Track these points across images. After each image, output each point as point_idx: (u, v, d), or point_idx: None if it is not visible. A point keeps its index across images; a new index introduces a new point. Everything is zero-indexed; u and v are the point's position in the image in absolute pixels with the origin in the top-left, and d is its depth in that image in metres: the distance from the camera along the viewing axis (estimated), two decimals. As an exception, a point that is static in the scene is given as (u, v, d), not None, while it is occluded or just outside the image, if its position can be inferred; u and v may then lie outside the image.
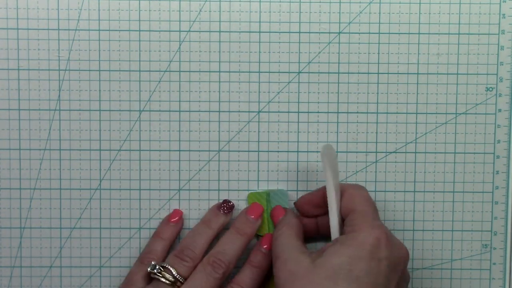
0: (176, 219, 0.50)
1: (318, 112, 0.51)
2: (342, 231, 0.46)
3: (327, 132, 0.51)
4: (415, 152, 0.51)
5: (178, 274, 0.46)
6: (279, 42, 0.51)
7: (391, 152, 0.51)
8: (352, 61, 0.51)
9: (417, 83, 0.51)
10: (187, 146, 0.51)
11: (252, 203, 0.50)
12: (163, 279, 0.46)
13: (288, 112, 0.51)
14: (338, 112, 0.51)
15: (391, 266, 0.42)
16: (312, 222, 0.49)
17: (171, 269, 0.46)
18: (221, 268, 0.46)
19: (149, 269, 0.47)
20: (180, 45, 0.50)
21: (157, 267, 0.47)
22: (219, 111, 0.51)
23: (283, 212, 0.49)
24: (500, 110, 0.51)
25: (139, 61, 0.50)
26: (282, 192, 0.51)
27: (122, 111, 0.51)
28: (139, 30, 0.50)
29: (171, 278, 0.46)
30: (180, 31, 0.50)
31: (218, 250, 0.47)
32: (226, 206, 0.50)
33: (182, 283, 0.46)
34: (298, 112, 0.51)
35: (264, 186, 0.51)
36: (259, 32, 0.50)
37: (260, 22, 0.50)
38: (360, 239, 0.42)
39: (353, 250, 0.41)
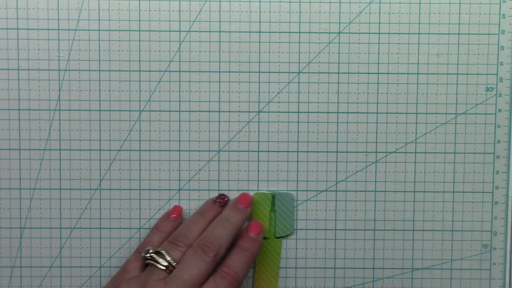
0: (175, 215, 0.50)
1: (318, 112, 0.51)
2: None
3: (327, 132, 0.51)
4: (415, 152, 0.51)
5: (171, 259, 0.46)
6: (279, 42, 0.51)
7: (391, 152, 0.51)
8: (352, 61, 0.51)
9: (417, 83, 0.51)
10: (187, 146, 0.51)
11: (241, 194, 0.50)
12: (156, 264, 0.46)
13: (288, 112, 0.51)
14: (338, 112, 0.51)
15: None
16: None
17: (164, 254, 0.46)
18: (211, 252, 0.46)
19: (143, 254, 0.47)
20: (180, 45, 0.50)
21: (151, 252, 0.47)
22: (219, 111, 0.51)
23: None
24: (500, 110, 0.51)
25: (139, 61, 0.50)
26: (288, 196, 0.51)
27: (122, 111, 0.51)
28: (139, 30, 0.50)
29: (164, 263, 0.46)
30: (180, 31, 0.50)
31: (207, 235, 0.48)
32: (221, 200, 0.50)
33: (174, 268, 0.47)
34: (298, 112, 0.51)
35: (264, 186, 0.51)
36: (259, 32, 0.50)
37: (260, 22, 0.50)
38: None
39: None
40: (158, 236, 0.49)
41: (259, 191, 0.51)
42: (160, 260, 0.46)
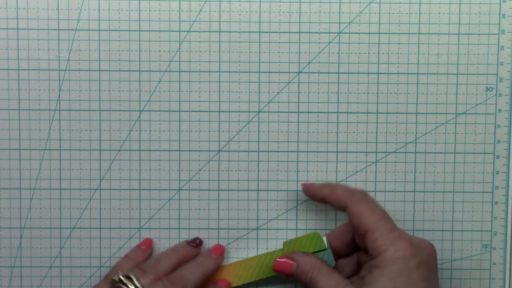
0: (145, 246, 0.51)
1: (318, 112, 0.51)
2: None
3: (327, 132, 0.51)
4: (415, 152, 0.51)
5: (140, 285, 0.46)
6: (279, 42, 0.51)
7: (391, 152, 0.51)
8: (352, 61, 0.51)
9: (417, 83, 0.51)
10: (187, 146, 0.51)
11: (216, 245, 0.51)
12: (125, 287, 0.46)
13: (288, 112, 0.51)
14: (338, 112, 0.51)
15: (425, 268, 0.44)
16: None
17: (133, 278, 0.46)
18: (178, 287, 0.47)
19: (112, 277, 0.47)
20: (180, 45, 0.50)
21: (120, 276, 0.47)
22: (219, 111, 0.51)
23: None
24: (500, 110, 0.51)
25: (139, 61, 0.50)
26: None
27: (122, 111, 0.51)
28: (139, 30, 0.50)
29: (132, 287, 0.46)
30: (180, 31, 0.50)
31: (180, 272, 0.48)
32: (195, 244, 0.51)
33: None
34: (298, 112, 0.51)
35: (264, 186, 0.51)
36: (259, 32, 0.50)
37: (260, 22, 0.50)
38: (388, 258, 0.43)
39: (389, 271, 0.43)
40: (128, 263, 0.50)
41: (317, 231, 0.50)
42: (129, 284, 0.46)
